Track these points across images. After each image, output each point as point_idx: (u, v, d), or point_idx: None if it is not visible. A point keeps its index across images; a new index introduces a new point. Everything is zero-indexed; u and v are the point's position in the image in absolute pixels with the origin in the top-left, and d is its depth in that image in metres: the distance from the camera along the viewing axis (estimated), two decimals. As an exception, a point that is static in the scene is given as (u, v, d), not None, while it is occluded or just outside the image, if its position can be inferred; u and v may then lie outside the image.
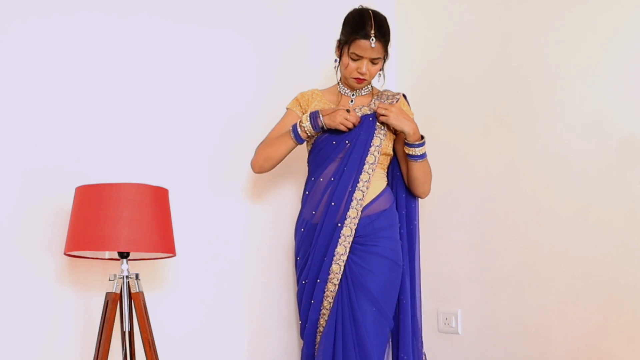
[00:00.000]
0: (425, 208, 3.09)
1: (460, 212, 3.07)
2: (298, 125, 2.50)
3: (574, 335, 2.68)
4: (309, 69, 3.00)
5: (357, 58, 2.48)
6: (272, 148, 2.54)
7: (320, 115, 2.47)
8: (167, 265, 2.59)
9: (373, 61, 2.49)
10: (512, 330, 2.87)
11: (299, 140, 2.51)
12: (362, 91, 2.62)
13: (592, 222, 2.65)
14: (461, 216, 3.07)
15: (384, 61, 2.55)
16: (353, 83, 2.55)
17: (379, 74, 2.59)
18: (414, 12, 3.33)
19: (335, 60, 2.58)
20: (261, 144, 2.58)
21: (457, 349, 3.06)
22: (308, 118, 2.48)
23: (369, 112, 2.55)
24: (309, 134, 2.50)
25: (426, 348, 3.05)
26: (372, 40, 2.44)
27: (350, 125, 2.47)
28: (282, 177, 2.92)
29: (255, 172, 2.60)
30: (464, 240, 3.05)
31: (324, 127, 2.48)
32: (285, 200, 2.89)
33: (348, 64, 2.50)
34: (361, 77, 2.51)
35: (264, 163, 2.55)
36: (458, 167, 3.08)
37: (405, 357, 2.55)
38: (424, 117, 3.15)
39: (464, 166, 3.06)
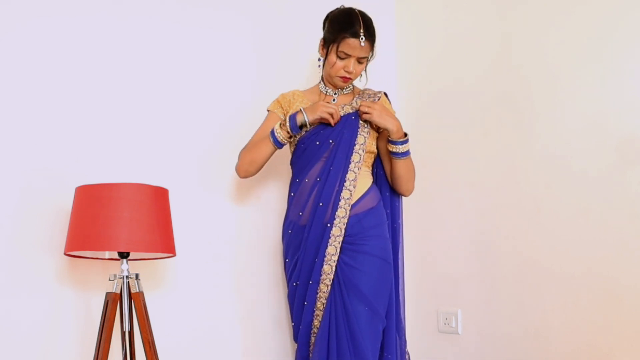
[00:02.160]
0: (426, 207, 3.09)
1: (460, 212, 3.07)
2: (275, 130, 2.48)
3: (574, 335, 2.68)
4: (307, 69, 3.00)
5: (345, 57, 2.48)
6: (254, 152, 2.53)
7: (304, 112, 2.46)
8: (167, 265, 2.59)
9: (359, 60, 2.50)
10: (512, 330, 2.87)
11: (277, 144, 2.50)
12: (344, 90, 2.61)
13: (592, 222, 2.65)
14: (461, 216, 3.06)
15: (369, 61, 2.56)
16: (338, 82, 2.55)
17: (361, 74, 2.59)
18: (414, 12, 3.33)
19: (319, 59, 2.59)
20: (244, 148, 2.57)
21: (457, 349, 3.06)
22: (288, 121, 2.47)
23: (351, 111, 2.55)
24: (290, 135, 2.48)
25: (426, 348, 3.06)
26: (362, 39, 2.45)
27: (332, 111, 2.46)
28: (282, 178, 2.92)
29: (241, 177, 2.58)
30: (463, 240, 3.05)
31: (307, 124, 2.46)
32: (284, 201, 2.88)
33: (335, 62, 2.49)
34: (348, 75, 2.51)
35: (248, 167, 2.54)
36: (458, 167, 3.08)
37: (389, 357, 2.53)
38: (424, 117, 3.16)
39: (464, 166, 3.06)
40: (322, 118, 2.47)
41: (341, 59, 2.49)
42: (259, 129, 2.59)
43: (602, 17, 2.66)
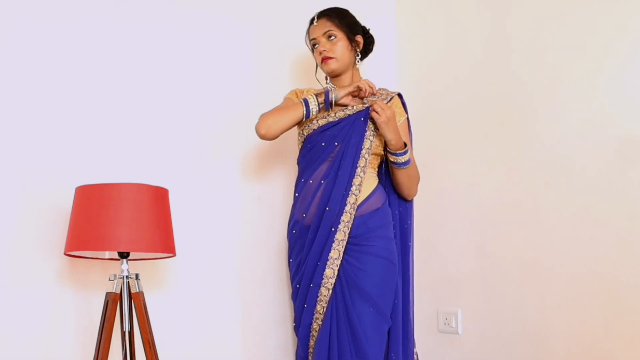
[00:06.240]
0: (426, 208, 3.09)
1: (460, 212, 3.07)
2: (308, 98, 2.51)
3: (574, 335, 2.68)
4: (305, 71, 3.00)
5: (315, 43, 2.60)
6: (282, 113, 2.49)
7: (334, 91, 2.53)
8: (167, 265, 2.59)
9: (329, 37, 2.57)
10: (512, 330, 2.87)
11: (307, 111, 2.49)
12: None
13: (592, 221, 2.65)
14: (461, 216, 3.06)
15: (350, 40, 2.59)
16: (324, 68, 2.60)
17: (357, 61, 2.62)
18: (414, 12, 3.33)
19: (317, 65, 2.67)
20: (267, 112, 2.51)
21: (457, 349, 3.06)
22: (324, 94, 2.52)
23: (362, 108, 2.55)
24: (320, 108, 2.52)
25: (426, 348, 3.05)
26: (315, 21, 2.60)
27: (361, 86, 2.51)
28: (281, 178, 2.92)
29: (260, 134, 2.46)
30: (463, 240, 3.05)
31: (333, 102, 2.52)
32: (285, 200, 2.89)
33: (314, 55, 2.62)
34: (323, 55, 2.57)
35: (272, 124, 2.45)
36: (458, 166, 3.08)
37: (394, 357, 2.54)
38: (425, 118, 3.16)
39: (465, 166, 3.06)
40: (350, 92, 2.52)
41: (314, 46, 2.61)
42: (277, 106, 2.59)
43: (602, 17, 2.66)
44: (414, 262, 2.70)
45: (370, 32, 2.69)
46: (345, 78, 2.62)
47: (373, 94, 2.56)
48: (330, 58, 2.57)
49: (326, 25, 2.58)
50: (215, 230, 2.72)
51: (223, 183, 2.77)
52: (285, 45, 2.96)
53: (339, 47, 2.57)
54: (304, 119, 2.52)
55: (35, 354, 2.26)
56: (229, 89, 2.81)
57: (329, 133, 2.53)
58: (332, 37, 2.57)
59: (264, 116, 2.48)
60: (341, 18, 2.59)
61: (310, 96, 2.53)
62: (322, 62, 2.59)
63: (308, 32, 2.64)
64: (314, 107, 2.50)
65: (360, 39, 2.62)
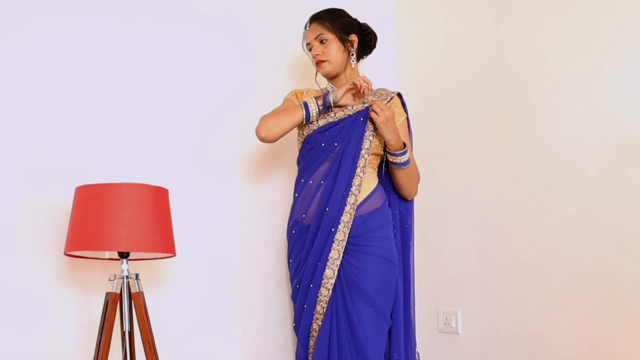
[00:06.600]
0: (426, 208, 3.09)
1: (460, 212, 3.07)
2: (308, 102, 2.52)
3: (574, 335, 2.68)
4: (305, 67, 3.00)
5: (310, 47, 2.62)
6: (282, 116, 2.51)
7: (332, 93, 2.54)
8: (167, 265, 2.59)
9: (321, 41, 2.59)
10: (512, 330, 2.87)
11: (307, 114, 2.51)
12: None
13: (592, 221, 2.65)
14: (461, 216, 3.06)
15: (343, 41, 2.60)
16: (319, 70, 2.63)
17: (352, 60, 2.62)
18: (414, 13, 3.33)
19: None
20: (267, 114, 2.53)
21: (457, 349, 3.06)
22: (322, 97, 2.54)
23: (361, 108, 2.55)
24: (320, 111, 2.53)
25: (426, 348, 3.05)
26: (307, 25, 2.63)
27: (356, 82, 2.51)
28: (281, 178, 2.92)
29: (260, 137, 2.48)
30: (463, 240, 3.05)
31: (332, 103, 2.53)
32: (285, 200, 2.89)
33: (310, 58, 2.64)
34: (317, 58, 2.60)
35: (273, 127, 2.47)
36: (458, 166, 3.08)
37: (396, 357, 2.55)
38: (425, 118, 3.16)
39: (465, 166, 3.06)
40: (348, 89, 2.52)
41: (310, 50, 2.62)
42: (277, 107, 2.61)
43: (602, 17, 2.66)
44: (414, 262, 2.71)
45: (371, 28, 2.69)
46: (343, 78, 2.64)
47: (371, 91, 2.57)
48: (324, 61, 2.59)
49: (317, 29, 2.59)
50: (215, 230, 2.72)
51: (223, 183, 2.77)
52: (285, 45, 2.96)
53: (331, 49, 2.58)
54: (304, 122, 2.53)
55: (35, 354, 2.26)
56: (229, 89, 2.81)
57: (328, 133, 2.54)
58: (324, 41, 2.58)
59: (264, 119, 2.49)
60: (333, 20, 2.60)
61: (310, 99, 2.54)
62: (316, 66, 2.61)
63: (304, 36, 2.66)
64: (313, 109, 2.51)
65: (355, 38, 2.62)
